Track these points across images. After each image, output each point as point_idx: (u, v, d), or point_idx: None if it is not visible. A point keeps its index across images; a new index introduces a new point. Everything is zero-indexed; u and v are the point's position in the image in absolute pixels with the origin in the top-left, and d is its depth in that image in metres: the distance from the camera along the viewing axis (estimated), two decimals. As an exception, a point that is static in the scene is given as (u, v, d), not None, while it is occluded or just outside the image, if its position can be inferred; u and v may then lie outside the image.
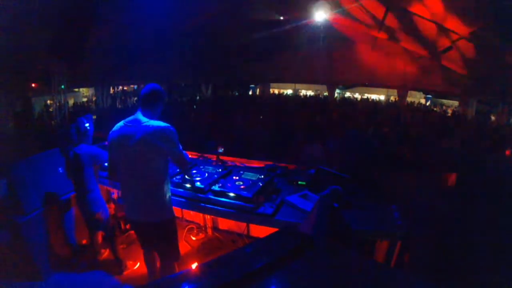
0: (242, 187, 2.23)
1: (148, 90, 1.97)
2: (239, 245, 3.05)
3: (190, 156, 3.23)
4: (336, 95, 16.44)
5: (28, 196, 2.47)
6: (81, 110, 10.43)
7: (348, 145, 4.35)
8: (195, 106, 11.83)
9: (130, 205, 2.03)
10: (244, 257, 0.95)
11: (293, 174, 2.78)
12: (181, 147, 1.97)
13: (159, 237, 2.06)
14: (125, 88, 17.40)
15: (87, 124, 2.55)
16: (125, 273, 2.73)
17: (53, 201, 2.68)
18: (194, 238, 3.25)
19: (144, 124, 1.86)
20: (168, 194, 2.01)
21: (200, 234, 3.31)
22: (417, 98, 17.24)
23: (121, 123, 1.95)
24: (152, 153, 1.85)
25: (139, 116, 1.91)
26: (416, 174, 4.00)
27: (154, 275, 2.33)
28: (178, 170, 2.63)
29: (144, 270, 2.39)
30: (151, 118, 1.92)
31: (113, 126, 1.99)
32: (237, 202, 2.12)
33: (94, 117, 2.72)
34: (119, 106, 12.28)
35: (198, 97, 14.94)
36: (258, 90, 18.28)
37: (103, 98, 10.58)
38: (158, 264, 2.38)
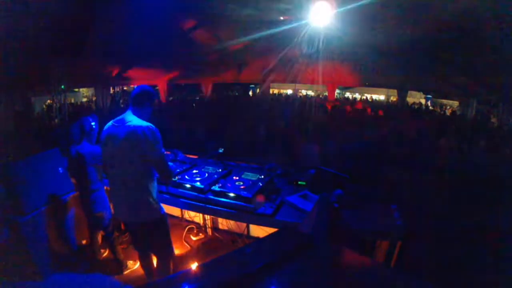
0: (242, 187, 2.23)
1: (138, 91, 2.00)
2: (239, 245, 3.05)
3: (189, 156, 3.25)
4: (336, 95, 16.43)
5: (28, 196, 2.47)
6: (80, 110, 10.43)
7: (348, 148, 4.37)
8: (194, 105, 11.85)
9: (117, 204, 2.04)
10: (244, 257, 0.95)
11: (293, 174, 2.78)
12: (163, 150, 1.92)
13: (149, 236, 2.06)
14: (125, 88, 17.39)
15: (93, 123, 2.57)
16: (125, 273, 2.73)
17: (53, 201, 2.68)
18: (194, 238, 3.25)
19: (128, 123, 1.87)
20: (154, 194, 1.99)
21: (200, 234, 3.31)
22: (417, 98, 17.26)
23: (110, 123, 1.97)
24: (135, 152, 1.84)
25: (127, 116, 1.93)
26: (416, 174, 4.00)
27: (151, 275, 2.33)
28: (178, 169, 2.64)
29: (144, 270, 2.39)
30: (137, 117, 1.92)
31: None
32: (237, 202, 2.12)
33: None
34: (122, 106, 12.26)
35: (198, 97, 14.95)
36: (258, 90, 18.28)
37: (103, 98, 10.59)
38: (154, 264, 2.38)
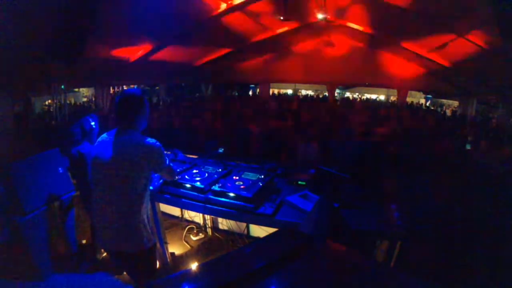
0: (242, 187, 2.23)
1: (121, 98, 1.74)
2: (239, 245, 3.05)
3: (189, 156, 3.26)
4: (336, 95, 16.42)
5: (28, 196, 2.46)
6: (80, 110, 10.46)
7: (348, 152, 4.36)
8: (194, 104, 11.83)
9: (101, 230, 1.74)
10: (244, 257, 0.96)
11: (293, 174, 2.78)
12: (168, 161, 1.80)
13: (132, 269, 1.85)
14: (125, 88, 17.41)
15: (93, 123, 2.57)
16: (125, 273, 2.73)
17: (53, 201, 2.68)
18: (194, 238, 3.25)
19: (126, 138, 1.67)
20: (147, 220, 1.77)
21: (200, 234, 3.31)
22: (417, 98, 17.26)
23: (104, 135, 1.78)
24: (131, 171, 1.63)
25: (121, 128, 1.72)
26: (416, 174, 4.00)
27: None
28: (178, 169, 2.64)
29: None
30: (133, 130, 1.72)
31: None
32: (237, 202, 2.12)
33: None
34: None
35: (198, 97, 14.96)
36: (258, 90, 18.26)
37: (104, 98, 10.58)
38: None
